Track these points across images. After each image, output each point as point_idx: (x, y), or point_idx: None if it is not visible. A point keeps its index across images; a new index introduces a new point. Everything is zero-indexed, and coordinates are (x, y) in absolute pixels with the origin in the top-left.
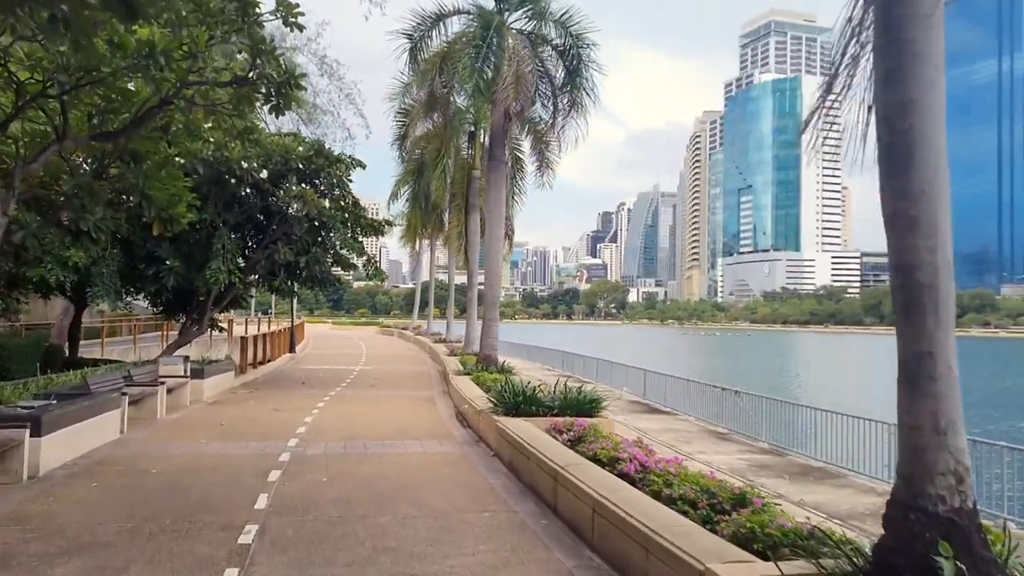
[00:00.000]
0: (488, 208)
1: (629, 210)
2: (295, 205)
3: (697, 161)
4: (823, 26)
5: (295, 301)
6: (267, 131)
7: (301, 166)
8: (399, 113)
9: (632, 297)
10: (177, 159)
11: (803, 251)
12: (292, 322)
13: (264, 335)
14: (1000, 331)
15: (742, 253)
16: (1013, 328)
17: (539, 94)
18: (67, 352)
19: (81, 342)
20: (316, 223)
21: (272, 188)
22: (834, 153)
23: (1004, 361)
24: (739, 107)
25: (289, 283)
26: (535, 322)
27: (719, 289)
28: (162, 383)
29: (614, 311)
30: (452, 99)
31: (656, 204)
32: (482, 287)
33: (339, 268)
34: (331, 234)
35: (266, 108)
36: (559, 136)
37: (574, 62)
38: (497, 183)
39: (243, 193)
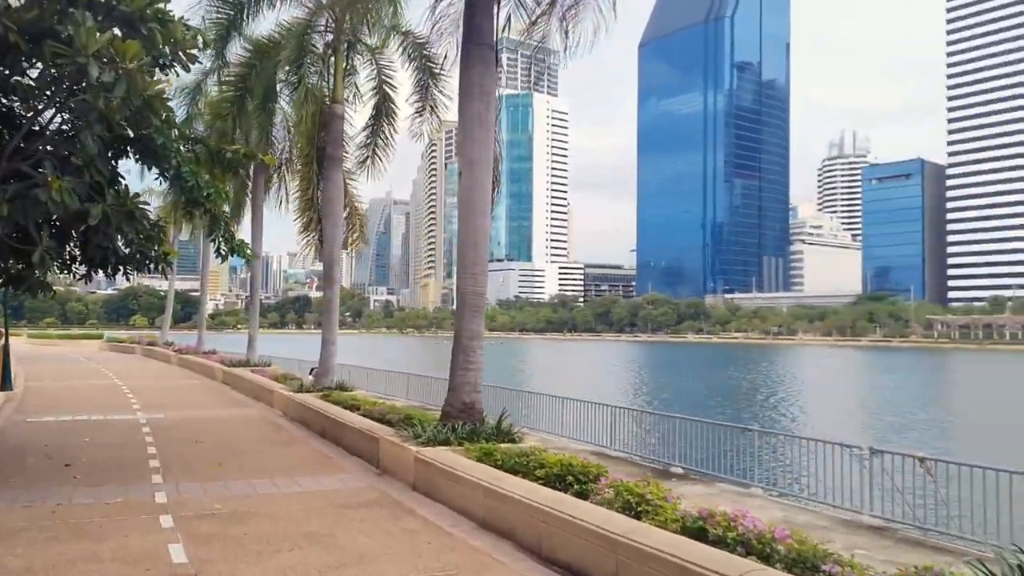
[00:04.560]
0: (470, 135)
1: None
2: (98, 76)
3: (433, 169)
4: (552, 47)
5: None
6: None
7: None
8: None
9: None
10: None
11: (535, 261)
12: (6, 339)
13: None
14: (713, 337)
15: None
16: (723, 334)
17: None
18: None
19: None
20: (131, 128)
21: (22, 39)
22: (561, 169)
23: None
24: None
25: (59, 261)
26: (261, 332)
27: (455, 298)
28: None
29: (350, 319)
30: None
31: (389, 211)
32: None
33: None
34: (169, 161)
35: None
36: (565, 28)
37: None
38: (484, 88)
39: None
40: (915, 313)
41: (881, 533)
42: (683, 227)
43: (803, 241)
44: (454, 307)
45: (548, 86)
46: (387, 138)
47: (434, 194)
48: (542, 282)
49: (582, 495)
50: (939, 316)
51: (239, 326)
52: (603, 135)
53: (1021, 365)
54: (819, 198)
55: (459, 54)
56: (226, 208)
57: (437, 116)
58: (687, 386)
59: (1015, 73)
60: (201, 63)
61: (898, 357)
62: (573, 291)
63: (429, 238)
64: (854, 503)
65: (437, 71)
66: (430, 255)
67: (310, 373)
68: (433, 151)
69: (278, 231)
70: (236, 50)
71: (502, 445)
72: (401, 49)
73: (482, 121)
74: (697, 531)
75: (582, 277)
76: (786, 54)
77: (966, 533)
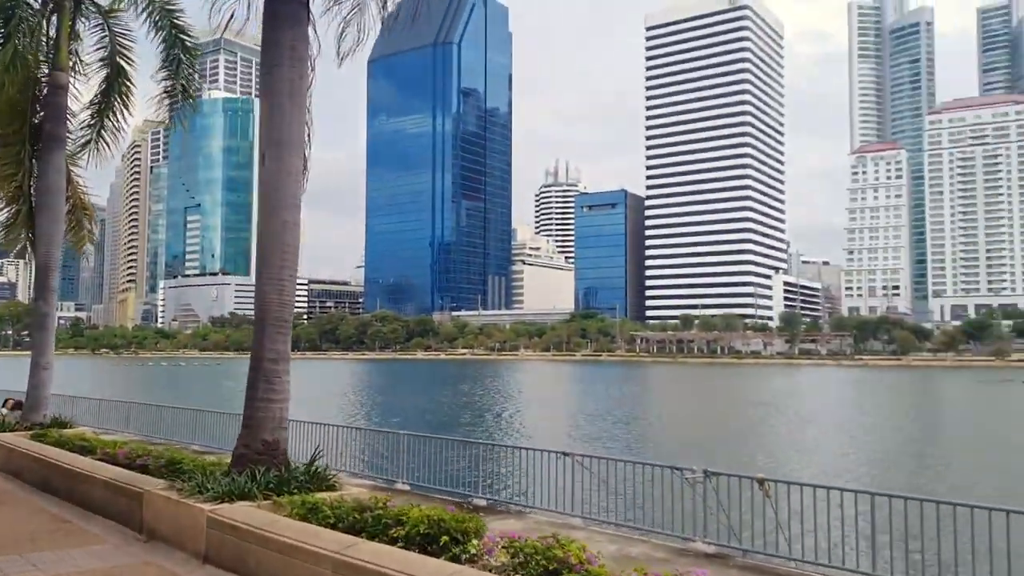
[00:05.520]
0: (278, 109)
1: None
2: None
3: (136, 173)
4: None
5: None
6: None
7: None
8: None
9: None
10: None
11: (253, 276)
12: None
13: None
14: (441, 354)
15: (188, 276)
16: (451, 350)
17: None
18: None
19: None
20: None
21: None
22: None
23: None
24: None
25: None
26: None
27: (159, 314)
28: None
29: (27, 339)
30: None
31: None
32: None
33: None
34: None
35: None
36: None
37: None
38: (295, 53)
39: None
40: (620, 329)
41: (724, 562)
42: (411, 245)
43: (523, 262)
44: (157, 325)
45: None
46: (119, 120)
47: (136, 200)
48: None
49: (456, 559)
50: (640, 332)
51: None
52: (334, 149)
53: (707, 375)
54: (537, 222)
55: (264, 12)
56: None
57: (192, 98)
58: (430, 404)
59: (701, 119)
60: None
61: (609, 370)
62: (297, 308)
63: (130, 249)
64: (686, 530)
65: (191, 44)
66: (130, 267)
67: (3, 405)
68: (137, 154)
69: None
70: None
71: (323, 495)
72: (145, 15)
73: (293, 93)
74: None
75: (307, 293)
76: (508, 85)
77: (808, 556)
